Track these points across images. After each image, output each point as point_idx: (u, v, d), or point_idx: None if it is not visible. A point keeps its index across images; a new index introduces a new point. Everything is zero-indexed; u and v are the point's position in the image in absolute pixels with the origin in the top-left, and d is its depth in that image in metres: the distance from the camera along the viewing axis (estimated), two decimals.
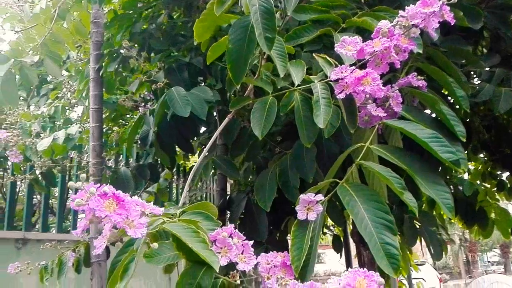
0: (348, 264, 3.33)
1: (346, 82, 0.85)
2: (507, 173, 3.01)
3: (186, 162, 2.71)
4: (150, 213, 0.63)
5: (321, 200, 0.94)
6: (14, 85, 1.42)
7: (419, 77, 1.21)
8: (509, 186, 3.03)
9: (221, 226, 0.80)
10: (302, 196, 0.94)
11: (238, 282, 0.80)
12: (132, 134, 1.54)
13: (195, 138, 1.84)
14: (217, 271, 0.66)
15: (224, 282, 0.85)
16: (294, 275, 0.90)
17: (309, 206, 0.94)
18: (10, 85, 1.41)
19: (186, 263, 0.90)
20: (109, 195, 0.57)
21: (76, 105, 2.13)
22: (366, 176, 1.18)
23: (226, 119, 1.06)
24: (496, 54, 1.81)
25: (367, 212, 0.94)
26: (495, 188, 3.00)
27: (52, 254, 1.82)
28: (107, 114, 1.98)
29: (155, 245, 0.65)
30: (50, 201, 4.33)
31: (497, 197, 2.97)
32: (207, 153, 1.52)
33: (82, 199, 0.56)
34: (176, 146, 1.59)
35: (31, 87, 2.80)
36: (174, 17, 1.94)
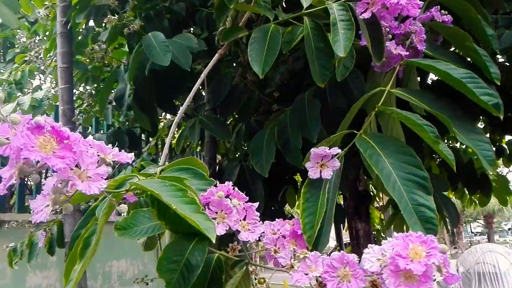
0: (338, 238, 3.17)
1: None
2: (508, 138, 2.89)
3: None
4: (113, 160, 0.43)
5: (337, 154, 0.75)
6: None
7: (442, 11, 1.02)
8: (508, 152, 2.92)
9: (215, 185, 0.61)
10: (314, 150, 0.75)
11: (238, 257, 0.61)
12: (104, 92, 1.33)
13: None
14: (214, 241, 0.47)
15: (220, 258, 0.67)
16: (306, 246, 0.73)
17: (323, 161, 0.76)
18: None
19: (171, 236, 0.72)
20: (46, 128, 0.37)
21: (45, 69, 1.89)
22: (384, 128, 1.00)
23: (216, 56, 0.86)
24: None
25: (394, 167, 0.75)
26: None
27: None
28: (79, 76, 1.75)
29: (123, 207, 0.45)
30: (27, 181, 4.08)
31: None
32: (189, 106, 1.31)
33: (2, 136, 0.36)
34: (157, 107, 1.38)
35: None
36: None
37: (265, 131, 1.27)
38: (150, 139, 2.21)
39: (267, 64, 0.72)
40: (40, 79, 2.43)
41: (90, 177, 0.39)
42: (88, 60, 1.51)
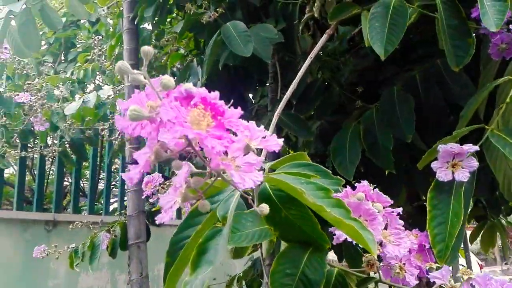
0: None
1: None
2: None
3: None
4: (257, 147, 0.33)
5: (474, 151, 0.63)
6: (34, 27, 1.15)
7: None
8: None
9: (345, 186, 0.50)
10: (443, 147, 0.63)
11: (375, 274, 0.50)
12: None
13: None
14: (375, 256, 0.36)
15: (341, 274, 0.56)
16: (436, 261, 0.60)
17: (455, 161, 0.63)
18: (30, 27, 1.13)
19: (276, 244, 0.62)
20: (196, 100, 0.28)
21: (108, 66, 1.86)
22: (504, 124, 0.86)
23: (324, 37, 0.75)
24: None
25: None
26: None
27: (84, 237, 1.58)
28: None
29: (265, 207, 0.35)
30: (82, 183, 4.14)
31: None
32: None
33: (139, 108, 0.27)
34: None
35: (57, 52, 2.55)
36: None
37: (348, 129, 1.15)
38: None
39: (392, 43, 0.61)
40: (100, 79, 2.42)
41: (240, 167, 0.30)
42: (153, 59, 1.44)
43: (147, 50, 0.32)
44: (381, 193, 0.48)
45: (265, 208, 0.35)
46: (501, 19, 0.55)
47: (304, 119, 1.14)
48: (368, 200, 0.47)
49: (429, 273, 0.47)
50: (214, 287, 2.03)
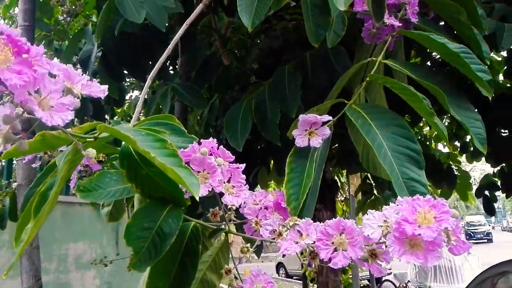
0: None
1: None
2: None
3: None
4: (81, 92, 0.35)
5: (328, 121, 0.70)
6: None
7: None
8: (472, 148, 2.98)
9: (199, 143, 0.53)
10: (303, 116, 0.69)
11: (218, 224, 0.54)
12: (69, 52, 1.21)
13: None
14: (197, 198, 0.40)
15: (197, 227, 0.60)
16: None
17: (312, 129, 0.70)
18: None
19: (140, 202, 0.64)
20: (1, 35, 0.29)
21: None
22: (368, 97, 0.95)
23: (199, 7, 0.78)
24: None
25: (386, 139, 0.71)
26: (458, 150, 2.95)
27: None
28: (40, 38, 1.61)
29: (90, 151, 0.37)
30: None
31: (459, 159, 2.94)
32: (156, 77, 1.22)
33: None
34: (125, 72, 1.28)
35: None
36: None
37: (242, 103, 1.20)
38: (116, 113, 2.10)
39: (258, 16, 0.65)
40: None
41: (53, 107, 0.31)
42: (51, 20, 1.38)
43: None
44: (225, 149, 0.52)
45: (91, 152, 0.37)
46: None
47: (197, 90, 1.16)
48: (212, 156, 0.51)
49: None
50: None
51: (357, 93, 0.80)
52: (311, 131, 0.70)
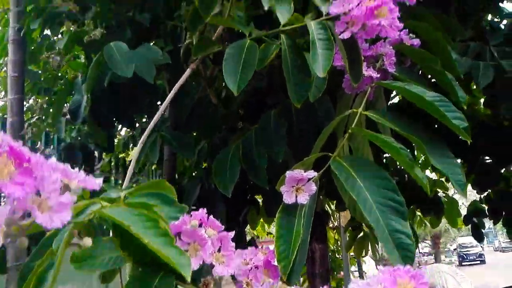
0: None
1: (353, 16, 0.64)
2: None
3: (128, 152, 2.38)
4: (78, 187, 0.37)
5: (314, 177, 0.72)
6: None
7: (411, 34, 1.03)
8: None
9: (189, 212, 0.55)
10: (289, 173, 0.72)
11: None
12: (58, 104, 1.23)
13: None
14: (188, 280, 0.42)
15: None
16: (281, 276, 0.68)
17: (299, 185, 0.72)
18: None
19: (133, 267, 0.65)
20: (4, 148, 0.31)
21: None
22: (355, 152, 0.98)
23: (188, 71, 0.81)
24: (468, 29, 1.69)
25: (370, 192, 0.73)
26: (445, 178, 2.99)
27: None
28: (30, 87, 1.63)
29: (87, 240, 0.39)
30: None
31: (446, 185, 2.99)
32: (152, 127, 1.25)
33: None
34: (115, 122, 1.30)
35: None
36: None
37: (230, 149, 1.22)
38: (103, 155, 2.10)
39: (243, 81, 0.68)
40: None
41: (52, 207, 0.33)
42: (41, 72, 1.40)
43: None
44: (214, 219, 0.54)
45: (87, 241, 0.39)
46: (328, 64, 0.65)
47: (187, 138, 1.19)
48: (203, 226, 0.53)
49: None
50: None
51: (340, 145, 0.83)
52: (298, 187, 0.72)
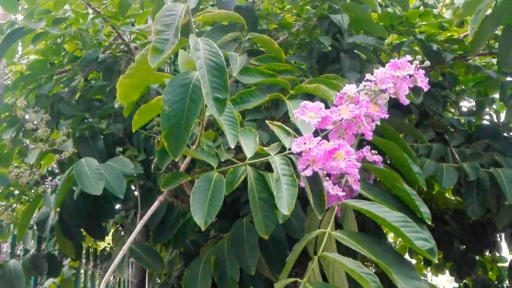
0: None
1: (313, 156, 0.67)
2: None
3: (97, 243, 2.32)
4: None
5: None
6: None
7: (373, 151, 1.08)
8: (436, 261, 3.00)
9: None
10: None
11: None
12: (25, 216, 1.21)
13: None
14: None
15: None
16: None
17: None
18: None
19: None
20: None
21: None
22: (327, 273, 0.98)
23: (156, 203, 0.82)
24: (429, 128, 1.79)
25: None
26: (422, 263, 2.98)
27: None
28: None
29: None
30: None
31: (424, 271, 2.97)
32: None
33: None
34: (84, 231, 1.28)
35: None
36: (91, 79, 1.70)
37: (201, 260, 1.21)
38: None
39: (211, 215, 0.69)
40: None
41: None
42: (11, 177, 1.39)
43: None
44: None
45: None
46: (292, 202, 0.67)
47: (155, 251, 1.17)
48: None
49: None
50: None
51: (310, 269, 0.83)
52: None
